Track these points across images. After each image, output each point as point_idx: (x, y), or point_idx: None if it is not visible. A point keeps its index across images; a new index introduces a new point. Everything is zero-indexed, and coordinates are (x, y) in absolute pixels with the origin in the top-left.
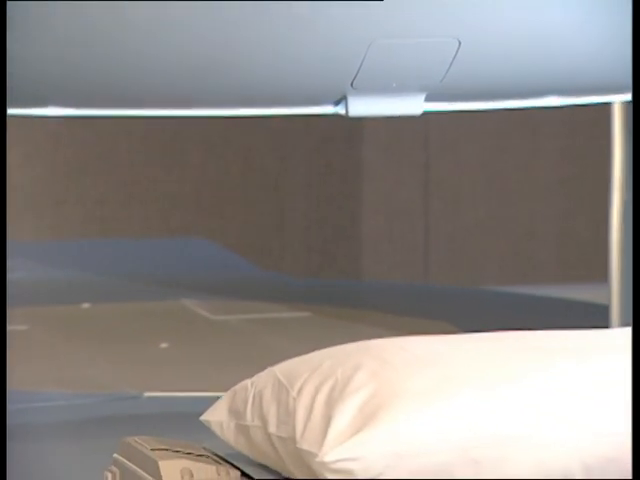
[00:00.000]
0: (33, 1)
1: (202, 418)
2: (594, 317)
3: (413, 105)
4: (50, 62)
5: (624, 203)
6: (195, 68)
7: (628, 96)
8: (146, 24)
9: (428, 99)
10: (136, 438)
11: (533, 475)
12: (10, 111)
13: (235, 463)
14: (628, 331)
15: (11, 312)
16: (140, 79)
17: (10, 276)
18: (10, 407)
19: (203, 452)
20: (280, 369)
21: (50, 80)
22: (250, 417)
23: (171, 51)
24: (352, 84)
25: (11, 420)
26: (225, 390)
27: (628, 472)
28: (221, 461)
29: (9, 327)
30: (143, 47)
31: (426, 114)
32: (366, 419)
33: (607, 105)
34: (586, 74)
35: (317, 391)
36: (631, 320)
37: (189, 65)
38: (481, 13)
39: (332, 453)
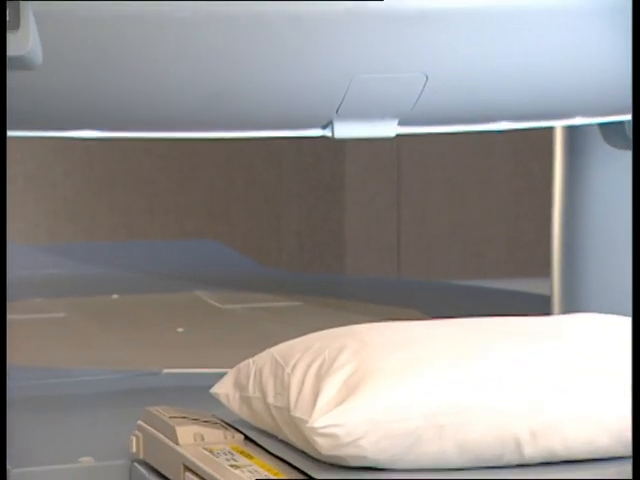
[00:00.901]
0: (68, 39)
1: (212, 391)
2: (538, 305)
3: (387, 129)
4: (87, 92)
5: (563, 211)
6: (203, 97)
7: (567, 122)
8: (163, 62)
9: (401, 124)
10: (157, 408)
11: (487, 438)
12: (51, 133)
13: (239, 428)
14: (566, 316)
15: (52, 302)
16: (158, 107)
17: (51, 272)
18: (49, 381)
19: (212, 419)
20: (276, 350)
21: (86, 107)
22: (252, 390)
23: (183, 83)
24: (337, 111)
25: (50, 392)
26: (231, 367)
27: (566, 437)
28: (228, 427)
29: (50, 315)
30: (160, 80)
31: (399, 136)
32: (349, 392)
33: (550, 129)
34: (532, 104)
35: (308, 368)
36: (569, 309)
37: (198, 95)
38: (445, 52)
39: (320, 420)
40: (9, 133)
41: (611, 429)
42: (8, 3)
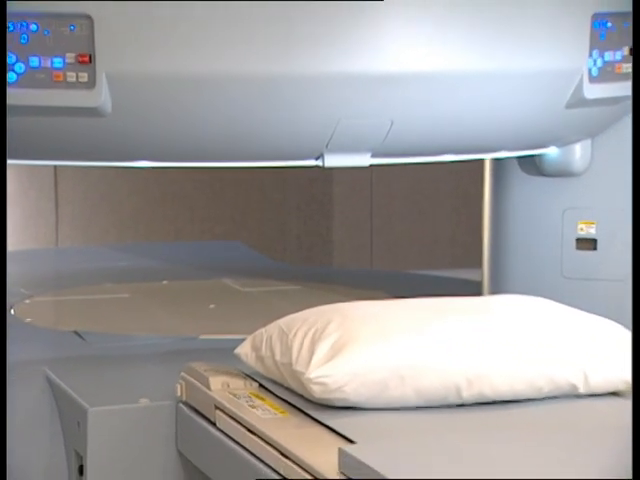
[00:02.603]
0: (130, 94)
1: (235, 352)
2: (473, 288)
3: (363, 160)
4: (143, 133)
5: (491, 219)
6: (227, 137)
7: (494, 155)
8: (199, 111)
9: (373, 156)
10: (195, 363)
11: (436, 385)
12: (116, 164)
13: (255, 378)
14: (494, 296)
15: (119, 286)
16: (194, 143)
17: (118, 265)
18: (117, 344)
19: (236, 372)
20: (282, 321)
21: (142, 144)
22: (264, 351)
23: (212, 127)
24: (327, 147)
25: (117, 352)
26: (249, 334)
27: (493, 384)
28: (247, 377)
29: (118, 295)
30: (196, 124)
31: (371, 166)
32: (335, 352)
33: (482, 160)
34: (469, 142)
35: (305, 335)
36: (495, 291)
37: (223, 135)
38: (405, 104)
39: (314, 372)
40: (83, 163)
41: (525, 378)
42: (87, 67)
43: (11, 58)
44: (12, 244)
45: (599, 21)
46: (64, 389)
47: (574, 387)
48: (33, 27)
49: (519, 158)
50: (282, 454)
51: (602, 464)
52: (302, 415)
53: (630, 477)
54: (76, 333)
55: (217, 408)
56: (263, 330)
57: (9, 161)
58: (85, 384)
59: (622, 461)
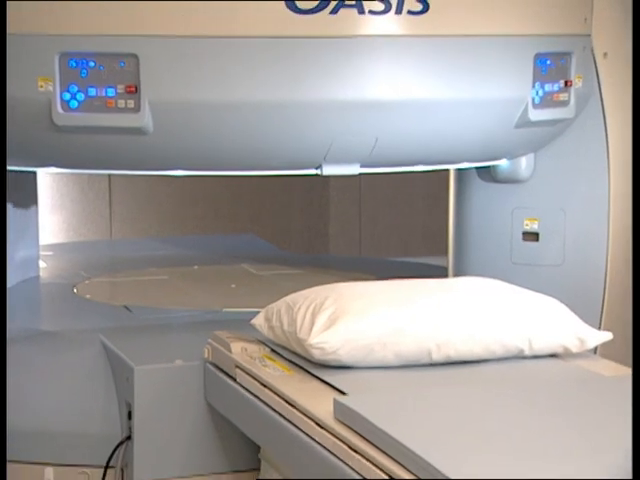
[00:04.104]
0: (169, 116)
1: (251, 322)
2: (441, 272)
3: (353, 170)
4: (179, 147)
5: (455, 217)
6: (246, 151)
7: (457, 166)
8: (224, 131)
9: (362, 167)
10: (219, 331)
11: (411, 349)
12: (156, 172)
13: (267, 344)
14: (458, 278)
15: (159, 270)
16: (219, 156)
17: (159, 253)
18: (156, 316)
19: (252, 338)
20: (289, 298)
21: (178, 156)
22: (275, 322)
23: (234, 142)
24: (324, 159)
25: (156, 322)
26: (263, 308)
27: (457, 348)
28: (261, 343)
29: (158, 277)
30: (222, 141)
31: (360, 174)
32: (331, 323)
33: (448, 170)
34: (437, 156)
35: (307, 309)
36: (459, 274)
37: (243, 149)
38: (387, 125)
39: (314, 339)
40: (130, 172)
41: (482, 343)
42: (133, 95)
43: (73, 88)
44: (74, 236)
45: (541, 59)
46: (116, 352)
47: (521, 350)
48: (91, 64)
49: (477, 168)
50: (289, 403)
51: (541, 405)
52: (304, 373)
53: (630, 477)
54: (125, 307)
55: (237, 367)
56: (273, 305)
57: (74, 170)
58: (132, 348)
59: (553, 400)
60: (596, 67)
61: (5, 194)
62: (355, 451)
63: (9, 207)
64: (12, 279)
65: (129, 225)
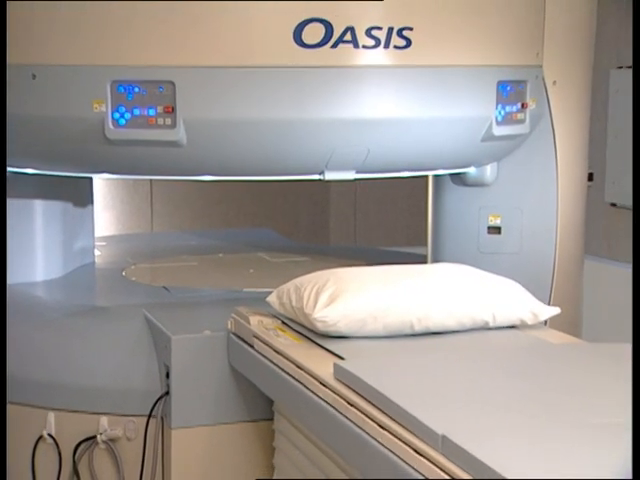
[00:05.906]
0: (200, 130)
1: (266, 300)
2: (421, 259)
3: (350, 175)
4: (208, 157)
5: (433, 214)
6: (258, 159)
7: (434, 172)
8: (243, 144)
9: (357, 173)
10: (240, 307)
11: (396, 322)
12: (187, 177)
13: (280, 318)
14: (436, 264)
15: (190, 257)
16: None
17: (189, 243)
18: (189, 294)
19: (267, 313)
20: (297, 280)
21: (208, 165)
22: (285, 299)
23: (250, 152)
24: (326, 166)
25: (189, 300)
26: (275, 289)
27: (435, 322)
28: (274, 317)
29: (189, 263)
30: (242, 152)
31: (356, 179)
32: (331, 300)
33: (426, 175)
34: (418, 164)
35: (312, 289)
36: (435, 260)
37: (258, 158)
38: (377, 138)
39: (318, 314)
40: (167, 177)
41: (455, 317)
42: (170, 114)
43: (121, 109)
44: (122, 230)
45: (502, 85)
46: (156, 323)
47: (486, 323)
48: (136, 89)
49: (450, 174)
50: (297, 366)
51: (503, 365)
52: (310, 342)
53: (630, 477)
54: (164, 287)
55: (255, 337)
56: (284, 286)
57: (122, 176)
58: (169, 320)
59: (512, 362)
60: (546, 92)
61: (5, 194)
62: (351, 405)
63: (70, 206)
64: (73, 265)
65: (167, 221)
